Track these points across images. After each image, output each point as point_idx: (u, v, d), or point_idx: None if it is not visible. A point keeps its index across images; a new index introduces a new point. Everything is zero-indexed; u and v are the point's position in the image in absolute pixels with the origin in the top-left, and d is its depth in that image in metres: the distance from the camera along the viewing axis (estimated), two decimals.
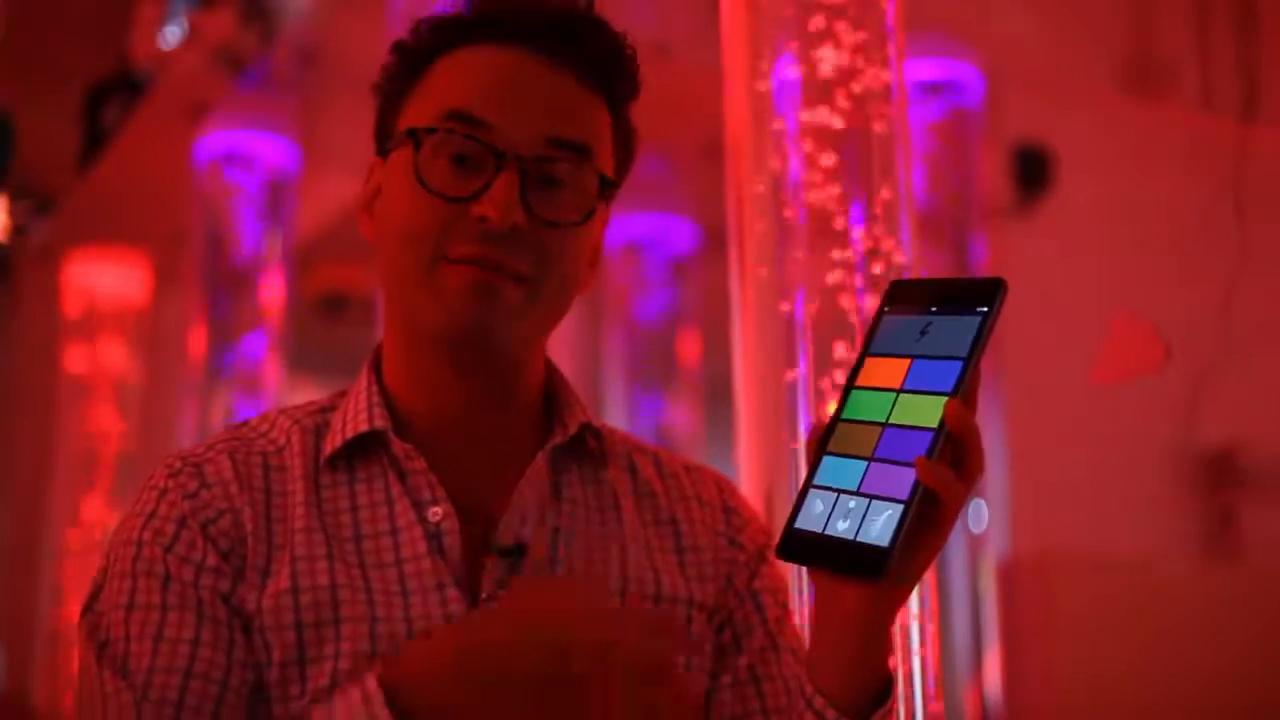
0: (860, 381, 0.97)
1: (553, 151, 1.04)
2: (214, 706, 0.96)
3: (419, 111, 1.07)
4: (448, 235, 1.02)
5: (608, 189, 1.08)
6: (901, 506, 0.90)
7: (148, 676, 0.96)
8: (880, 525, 0.90)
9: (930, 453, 0.91)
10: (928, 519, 0.92)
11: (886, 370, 0.96)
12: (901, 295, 0.98)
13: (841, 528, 0.92)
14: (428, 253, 1.03)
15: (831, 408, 0.99)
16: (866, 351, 0.98)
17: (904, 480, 0.91)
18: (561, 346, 1.15)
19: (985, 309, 0.92)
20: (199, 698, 0.96)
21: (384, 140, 1.11)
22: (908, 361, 0.95)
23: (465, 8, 1.10)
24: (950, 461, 0.92)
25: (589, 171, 1.06)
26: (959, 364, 0.92)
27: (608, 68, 1.09)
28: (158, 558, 1.01)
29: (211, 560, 1.01)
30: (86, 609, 1.03)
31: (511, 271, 1.03)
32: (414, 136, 1.04)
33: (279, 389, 3.75)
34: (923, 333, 0.95)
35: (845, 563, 0.92)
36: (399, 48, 1.11)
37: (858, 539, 0.91)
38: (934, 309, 0.95)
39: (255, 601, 1.00)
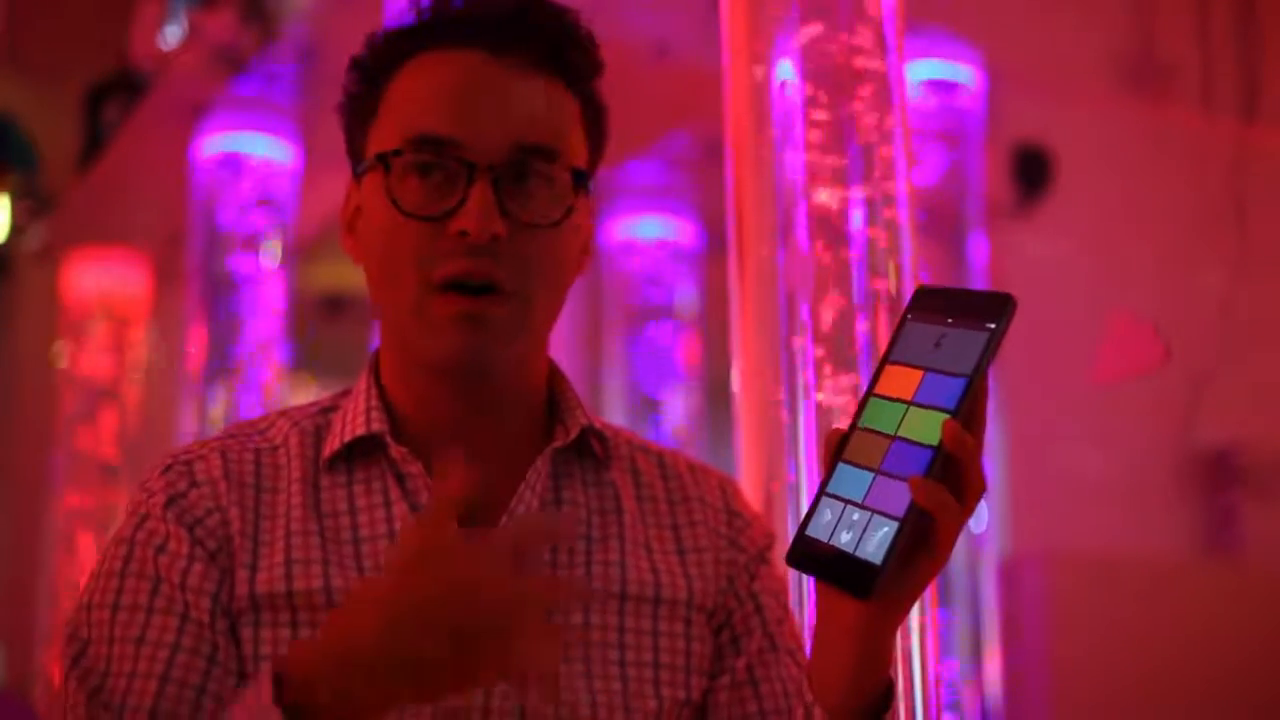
0: (879, 389, 0.96)
1: (522, 157, 1.04)
2: (190, 711, 0.96)
3: (385, 132, 1.06)
4: (430, 256, 1.02)
5: (582, 182, 1.07)
6: (897, 524, 0.89)
7: (128, 681, 0.96)
8: (876, 541, 0.90)
9: (928, 471, 0.89)
10: (925, 539, 0.91)
11: (902, 380, 0.94)
12: (925, 302, 0.97)
13: (844, 539, 0.92)
14: (413, 277, 1.02)
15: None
16: (887, 358, 0.96)
17: (902, 497, 0.90)
18: (562, 346, 1.14)
19: (993, 325, 0.90)
20: (174, 703, 0.96)
21: (356, 161, 1.10)
22: (921, 373, 0.93)
23: (417, 15, 1.08)
24: (951, 482, 0.90)
25: (560, 169, 1.05)
26: (963, 381, 0.90)
27: (565, 54, 1.07)
28: (148, 559, 1.01)
29: (199, 561, 1.01)
30: (73, 615, 1.02)
31: (498, 286, 1.02)
32: (383, 161, 1.03)
33: (279, 389, 3.75)
34: (937, 344, 0.93)
35: (841, 577, 0.91)
36: (356, 64, 1.10)
37: (855, 553, 0.90)
38: (950, 320, 0.94)
39: (246, 599, 1.00)
